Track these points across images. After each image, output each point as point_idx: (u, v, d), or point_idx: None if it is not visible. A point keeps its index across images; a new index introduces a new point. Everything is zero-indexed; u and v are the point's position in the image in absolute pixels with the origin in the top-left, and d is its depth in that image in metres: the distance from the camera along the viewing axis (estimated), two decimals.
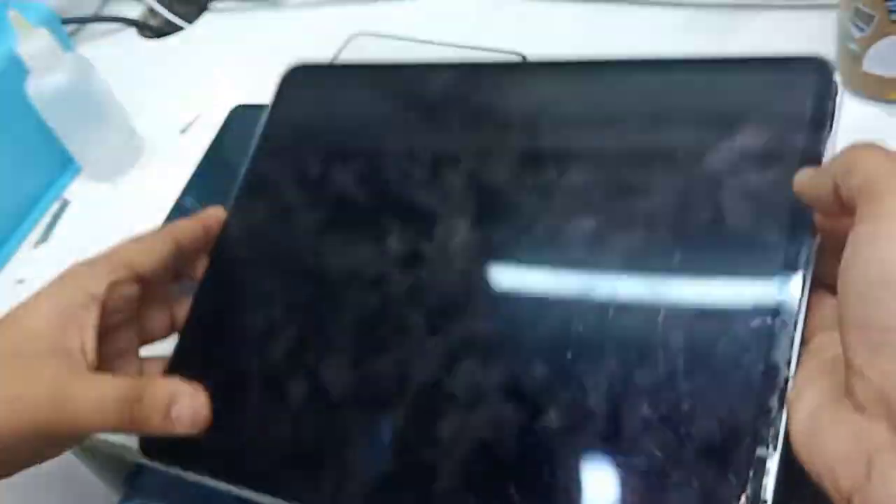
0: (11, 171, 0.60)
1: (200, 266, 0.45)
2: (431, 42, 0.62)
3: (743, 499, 0.29)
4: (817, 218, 0.32)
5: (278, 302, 0.42)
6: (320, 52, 0.65)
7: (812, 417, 0.28)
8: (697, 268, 0.35)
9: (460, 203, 0.40)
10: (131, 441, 0.42)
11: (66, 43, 0.63)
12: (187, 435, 0.36)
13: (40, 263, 0.59)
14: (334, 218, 0.44)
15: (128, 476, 0.62)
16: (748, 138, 0.35)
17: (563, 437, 0.33)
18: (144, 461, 0.41)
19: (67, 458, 0.54)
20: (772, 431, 0.30)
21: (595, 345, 0.34)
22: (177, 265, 0.44)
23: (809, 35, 0.52)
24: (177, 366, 0.42)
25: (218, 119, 0.62)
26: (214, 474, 0.39)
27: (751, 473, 0.29)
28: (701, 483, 0.30)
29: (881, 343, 0.25)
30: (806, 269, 0.32)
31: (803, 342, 0.31)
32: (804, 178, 0.31)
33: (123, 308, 0.41)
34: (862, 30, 0.45)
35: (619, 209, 0.37)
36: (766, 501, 0.29)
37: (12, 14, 0.53)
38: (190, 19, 0.73)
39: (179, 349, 0.43)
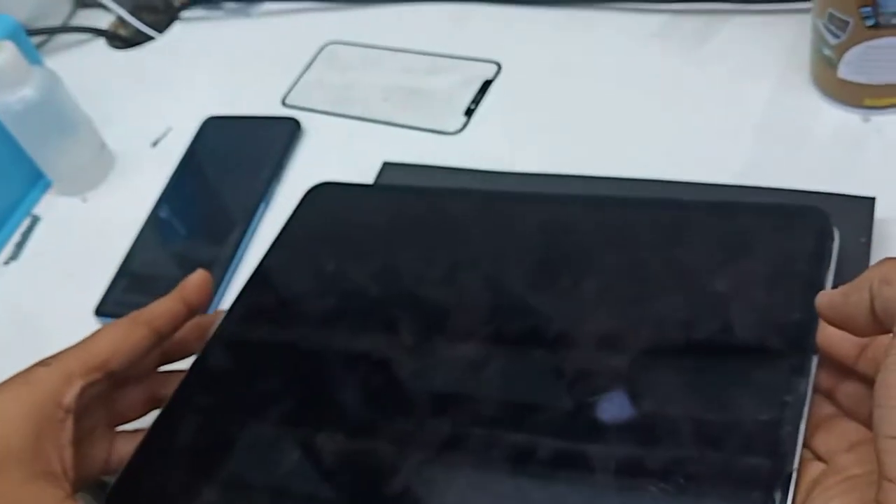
0: None
1: (189, 345, 0.44)
2: (406, 50, 0.62)
3: None
4: (819, 337, 0.33)
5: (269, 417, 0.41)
6: (292, 60, 0.64)
7: None
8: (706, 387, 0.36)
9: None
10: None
11: (34, 55, 0.62)
12: None
13: (12, 281, 0.58)
14: (329, 339, 0.44)
15: None
16: (766, 270, 0.38)
17: None
18: None
19: None
20: None
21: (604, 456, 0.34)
22: (158, 348, 0.42)
23: (784, 41, 0.52)
24: (149, 454, 0.41)
25: (190, 130, 0.61)
26: None
27: None
28: None
29: None
30: (808, 378, 0.33)
31: (816, 457, 0.32)
32: (832, 297, 0.31)
33: (94, 403, 0.40)
34: (837, 36, 0.45)
35: (638, 317, 0.38)
36: None
37: None
38: (160, 29, 0.72)
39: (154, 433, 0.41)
